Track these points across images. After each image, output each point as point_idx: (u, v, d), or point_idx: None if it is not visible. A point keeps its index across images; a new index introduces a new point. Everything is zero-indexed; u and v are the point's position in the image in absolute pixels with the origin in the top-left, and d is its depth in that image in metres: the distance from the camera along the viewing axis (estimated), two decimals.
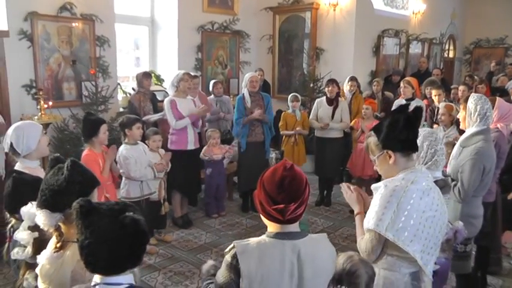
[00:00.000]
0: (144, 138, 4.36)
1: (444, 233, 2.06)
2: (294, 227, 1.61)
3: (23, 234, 1.87)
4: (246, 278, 1.52)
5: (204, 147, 5.08)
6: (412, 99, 5.39)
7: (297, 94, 5.74)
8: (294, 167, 1.58)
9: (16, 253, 1.90)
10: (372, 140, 2.00)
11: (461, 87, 5.80)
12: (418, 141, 2.11)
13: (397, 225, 1.81)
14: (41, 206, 1.68)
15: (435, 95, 5.11)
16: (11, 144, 2.39)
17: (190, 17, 6.84)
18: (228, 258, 1.57)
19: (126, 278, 1.43)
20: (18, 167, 2.43)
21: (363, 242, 1.95)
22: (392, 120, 1.90)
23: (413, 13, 8.52)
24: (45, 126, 4.43)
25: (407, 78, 6.06)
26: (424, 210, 1.84)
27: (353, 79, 6.14)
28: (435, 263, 2.32)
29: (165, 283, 3.69)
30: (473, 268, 3.15)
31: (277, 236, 1.58)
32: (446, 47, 10.75)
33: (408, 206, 1.82)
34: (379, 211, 1.85)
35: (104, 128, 3.60)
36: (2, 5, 4.87)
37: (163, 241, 4.47)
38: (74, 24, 5.46)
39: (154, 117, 5.16)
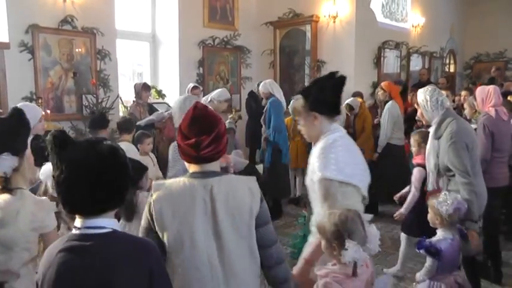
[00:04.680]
0: (134, 142, 4.32)
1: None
2: (213, 167, 1.64)
3: None
4: (157, 214, 1.55)
5: None
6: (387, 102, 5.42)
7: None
8: (206, 106, 1.68)
9: None
10: (300, 102, 2.12)
11: (463, 93, 6.05)
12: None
13: (337, 168, 1.99)
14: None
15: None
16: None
17: (191, 32, 6.88)
18: (149, 197, 1.61)
19: (110, 222, 1.31)
20: None
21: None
22: (322, 84, 2.07)
23: (412, 26, 8.57)
24: (44, 134, 4.34)
25: (382, 84, 5.79)
26: (346, 150, 2.07)
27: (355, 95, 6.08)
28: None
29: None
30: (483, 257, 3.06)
31: (192, 175, 1.63)
32: (447, 61, 10.78)
33: (335, 155, 2.03)
34: (319, 165, 2.03)
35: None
36: (3, 17, 4.91)
37: None
38: (75, 43, 5.47)
39: (143, 121, 5.12)
